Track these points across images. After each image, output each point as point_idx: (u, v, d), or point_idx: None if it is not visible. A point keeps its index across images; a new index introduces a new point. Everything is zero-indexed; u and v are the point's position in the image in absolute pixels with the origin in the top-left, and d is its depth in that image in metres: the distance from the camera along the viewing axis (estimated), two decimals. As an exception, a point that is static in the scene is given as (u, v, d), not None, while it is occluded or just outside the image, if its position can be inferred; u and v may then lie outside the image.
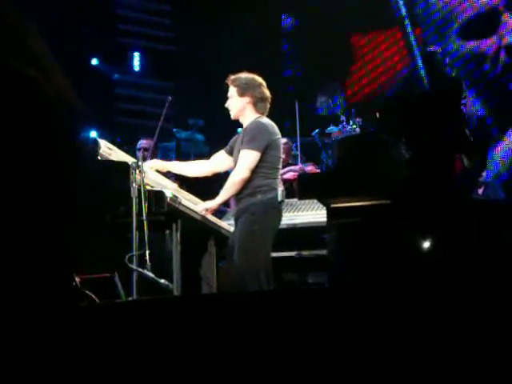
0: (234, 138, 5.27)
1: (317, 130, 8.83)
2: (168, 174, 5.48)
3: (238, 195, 5.02)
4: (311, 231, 5.80)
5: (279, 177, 5.16)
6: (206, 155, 6.24)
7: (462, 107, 4.72)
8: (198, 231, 5.05)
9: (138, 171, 4.54)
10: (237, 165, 5.00)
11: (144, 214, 4.43)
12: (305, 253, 5.90)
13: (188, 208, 4.85)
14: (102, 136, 5.42)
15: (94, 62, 10.70)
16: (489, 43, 9.70)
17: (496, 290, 1.95)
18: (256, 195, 4.92)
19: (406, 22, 10.47)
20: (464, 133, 4.54)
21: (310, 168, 7.87)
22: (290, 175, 7.19)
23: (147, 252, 4.39)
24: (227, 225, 5.33)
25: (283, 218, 5.17)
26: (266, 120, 5.10)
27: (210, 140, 9.46)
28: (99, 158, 4.64)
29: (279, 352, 1.90)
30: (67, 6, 9.88)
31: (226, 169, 5.52)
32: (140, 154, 6.56)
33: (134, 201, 4.45)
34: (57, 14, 9.18)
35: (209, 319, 2.00)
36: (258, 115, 5.10)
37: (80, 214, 1.31)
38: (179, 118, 9.83)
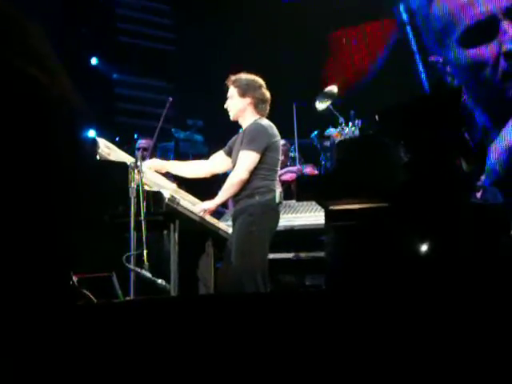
0: (233, 138, 5.28)
1: (315, 132, 8.82)
2: (167, 175, 5.48)
3: (237, 196, 5.02)
4: (309, 233, 5.80)
5: (277, 178, 5.16)
6: (205, 156, 6.24)
7: (461, 111, 4.72)
8: (196, 232, 5.06)
9: (136, 171, 4.54)
10: (236, 166, 5.00)
11: (142, 214, 4.43)
12: (302, 255, 5.90)
13: (186, 208, 4.85)
14: (100, 135, 5.41)
15: (94, 61, 10.70)
16: (488, 51, 9.73)
17: (494, 293, 1.95)
18: (254, 196, 4.93)
19: (408, 28, 10.51)
20: (463, 136, 4.54)
21: (309, 170, 7.87)
22: (287, 176, 7.19)
23: (145, 252, 4.39)
24: (225, 226, 5.33)
25: (281, 220, 5.17)
26: (265, 121, 5.10)
27: (208, 140, 9.45)
28: (98, 157, 4.64)
29: (276, 353, 1.90)
30: (67, 5, 9.89)
31: (224, 169, 5.52)
32: (139, 154, 6.56)
33: (133, 201, 4.45)
34: (56, 13, 9.19)
35: (206, 320, 2.00)
36: (258, 117, 5.11)
37: (78, 213, 1.31)
38: (178, 118, 9.82)
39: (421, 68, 10.33)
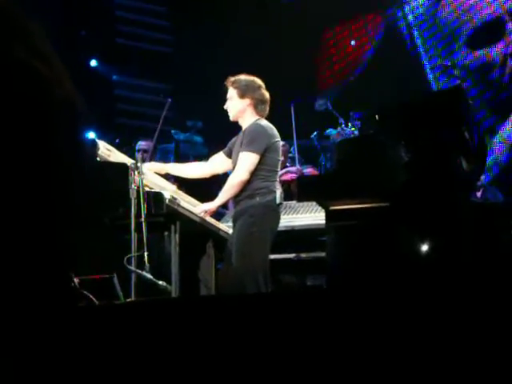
0: (233, 139, 5.27)
1: (315, 133, 8.83)
2: (167, 176, 5.48)
3: (237, 197, 5.02)
4: (310, 233, 5.80)
5: (278, 179, 5.16)
6: (205, 157, 6.24)
7: (461, 110, 4.71)
8: (197, 233, 5.05)
9: (137, 172, 4.54)
10: (236, 167, 5.00)
11: (143, 216, 4.43)
12: (303, 255, 5.90)
13: (187, 210, 4.84)
14: (100, 137, 5.42)
15: (93, 63, 10.70)
16: (496, 52, 9.75)
17: (495, 292, 1.95)
18: (255, 197, 4.93)
19: (415, 31, 10.53)
20: (463, 136, 4.54)
21: (309, 170, 7.88)
22: (287, 177, 7.20)
23: (146, 253, 4.39)
24: (226, 227, 5.32)
25: (282, 220, 5.17)
26: (265, 122, 5.10)
27: (208, 142, 9.45)
28: (98, 159, 4.64)
29: (277, 354, 1.90)
30: (66, 8, 9.89)
31: (224, 170, 5.52)
32: (139, 156, 6.57)
33: (133, 202, 4.45)
34: (56, 15, 9.19)
35: (207, 321, 2.00)
36: (258, 117, 5.10)
37: (79, 214, 1.31)
38: (178, 119, 9.82)
39: (428, 70, 10.35)
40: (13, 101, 1.18)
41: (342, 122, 8.69)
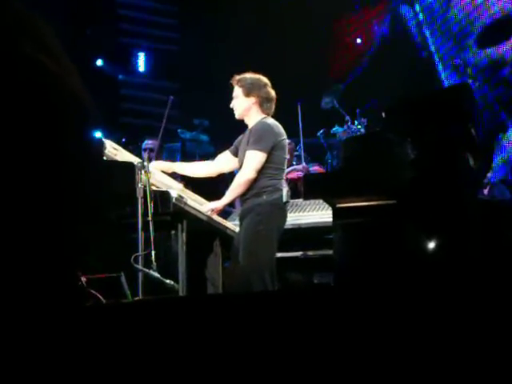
0: (239, 138, 5.27)
1: (321, 131, 8.83)
2: (174, 175, 5.48)
3: (244, 196, 5.02)
4: (316, 231, 5.80)
5: (284, 177, 5.16)
6: (211, 155, 6.24)
7: (468, 107, 4.71)
8: (204, 231, 5.06)
9: (143, 171, 4.54)
10: (243, 165, 5.00)
11: (150, 215, 4.44)
12: (310, 253, 5.90)
13: (194, 208, 4.85)
14: (107, 136, 5.41)
15: (99, 62, 10.71)
16: (506, 48, 9.72)
17: (502, 291, 1.95)
18: (261, 196, 4.93)
19: (426, 30, 10.52)
20: (470, 132, 4.53)
21: (316, 168, 7.88)
22: (294, 175, 7.20)
23: (153, 252, 4.40)
24: (233, 225, 5.33)
25: (288, 219, 5.18)
26: (271, 121, 5.10)
27: (214, 140, 9.46)
28: (105, 158, 4.65)
29: (284, 352, 1.90)
30: (72, 7, 9.90)
31: (230, 169, 5.52)
32: (146, 155, 6.57)
33: (140, 201, 4.46)
34: (61, 15, 9.20)
35: (214, 319, 2.00)
36: (264, 116, 5.10)
37: (87, 213, 1.31)
38: (184, 118, 9.83)
39: (440, 69, 10.34)
40: (17, 93, 1.18)
41: (348, 119, 8.69)
